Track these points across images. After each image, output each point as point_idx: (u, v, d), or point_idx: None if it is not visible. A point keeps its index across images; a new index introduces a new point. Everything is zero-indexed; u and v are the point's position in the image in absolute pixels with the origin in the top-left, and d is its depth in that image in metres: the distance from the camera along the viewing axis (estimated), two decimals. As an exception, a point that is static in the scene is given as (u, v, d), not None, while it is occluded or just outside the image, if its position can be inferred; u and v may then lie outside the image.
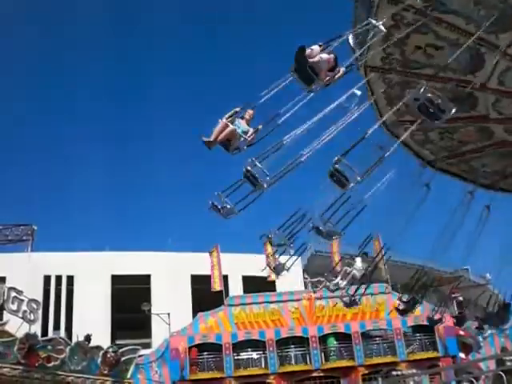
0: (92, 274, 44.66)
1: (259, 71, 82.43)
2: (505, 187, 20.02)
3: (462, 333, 34.56)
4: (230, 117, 12.99)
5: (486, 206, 19.90)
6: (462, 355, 33.67)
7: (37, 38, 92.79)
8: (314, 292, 30.46)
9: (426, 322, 34.92)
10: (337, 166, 13.97)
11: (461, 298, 37.14)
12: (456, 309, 36.54)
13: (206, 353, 33.95)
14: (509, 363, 28.31)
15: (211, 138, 12.81)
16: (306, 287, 46.14)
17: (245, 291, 44.63)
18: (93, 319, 40.67)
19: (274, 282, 41.83)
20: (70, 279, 45.49)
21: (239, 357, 34.08)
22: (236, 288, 45.83)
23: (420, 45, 14.15)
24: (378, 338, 35.55)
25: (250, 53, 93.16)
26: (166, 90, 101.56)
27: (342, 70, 13.09)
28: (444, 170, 19.56)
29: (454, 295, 36.99)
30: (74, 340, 32.08)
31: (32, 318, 30.04)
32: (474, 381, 17.50)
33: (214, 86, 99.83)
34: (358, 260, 21.53)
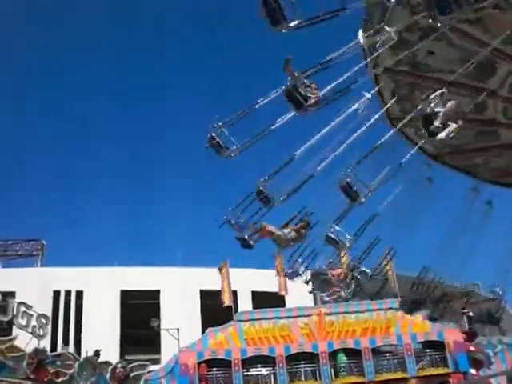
0: (101, 289, 44.67)
1: (259, 71, 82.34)
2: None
3: (472, 348, 34.32)
4: None
5: (488, 201, 19.96)
6: (472, 371, 33.39)
7: (37, 37, 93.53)
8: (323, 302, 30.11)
9: (436, 338, 34.97)
10: (348, 180, 14.07)
11: (471, 314, 36.95)
12: (467, 324, 36.37)
13: (215, 369, 33.78)
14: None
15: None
16: (315, 303, 45.94)
17: (254, 307, 44.48)
18: (102, 334, 40.66)
19: (283, 297, 41.72)
20: (80, 294, 45.51)
21: (248, 373, 33.89)
22: (245, 303, 45.66)
23: (432, 50, 14.22)
24: (388, 354, 35.30)
25: (250, 53, 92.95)
26: (165, 90, 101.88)
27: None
28: (447, 165, 19.60)
29: (464, 311, 36.83)
30: (83, 355, 32.08)
31: (41, 333, 30.11)
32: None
33: (213, 86, 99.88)
34: None
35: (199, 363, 33.58)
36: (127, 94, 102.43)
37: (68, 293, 45.49)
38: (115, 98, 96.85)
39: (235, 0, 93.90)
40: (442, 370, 34.39)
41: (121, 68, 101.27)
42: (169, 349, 38.49)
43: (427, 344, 35.30)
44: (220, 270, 40.23)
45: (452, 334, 35.10)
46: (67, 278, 44.93)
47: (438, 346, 34.92)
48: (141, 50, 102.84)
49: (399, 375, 34.07)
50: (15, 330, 31.26)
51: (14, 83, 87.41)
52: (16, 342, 28.53)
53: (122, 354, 42.74)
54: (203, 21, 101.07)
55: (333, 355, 34.48)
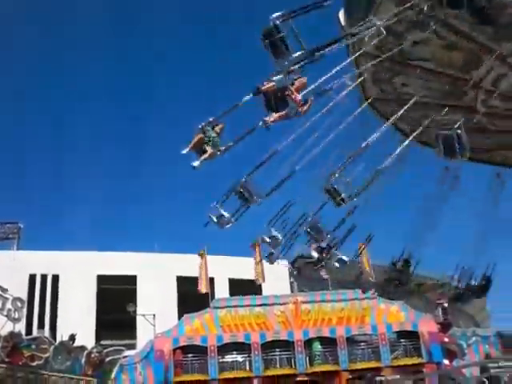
0: (77, 274, 44.48)
1: (259, 71, 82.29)
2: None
3: (446, 339, 34.67)
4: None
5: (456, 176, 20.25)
6: (446, 361, 33.75)
7: (37, 37, 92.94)
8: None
9: (411, 328, 35.26)
10: (332, 185, 14.28)
11: (446, 305, 37.29)
12: (441, 315, 36.70)
13: (190, 355, 33.87)
14: (492, 370, 28.43)
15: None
16: (292, 291, 46.11)
17: (231, 294, 44.55)
18: (77, 319, 40.52)
19: (260, 285, 41.80)
20: (56, 278, 45.28)
21: (224, 359, 34.01)
22: (222, 290, 45.72)
23: (418, 40, 14.28)
24: (362, 343, 35.57)
25: (250, 53, 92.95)
26: (165, 90, 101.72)
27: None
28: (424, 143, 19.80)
29: (439, 301, 37.18)
30: (59, 339, 31.90)
31: (16, 316, 29.89)
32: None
33: (213, 86, 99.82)
34: None
35: (175, 349, 33.65)
36: (127, 94, 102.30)
37: (44, 277, 45.23)
38: (115, 97, 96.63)
39: (235, 0, 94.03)
40: (415, 360, 34.71)
41: (121, 68, 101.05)
42: (145, 334, 38.46)
43: (402, 334, 35.62)
44: (200, 256, 40.18)
45: (427, 325, 35.43)
46: (43, 261, 44.65)
47: (412, 336, 35.24)
48: (141, 50, 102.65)
49: (373, 364, 34.35)
50: (-10, 313, 31.08)
51: (14, 83, 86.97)
52: (-10, 325, 28.34)
53: (98, 338, 42.55)
54: (203, 21, 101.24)
55: (308, 343, 34.68)
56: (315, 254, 19.77)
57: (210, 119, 13.56)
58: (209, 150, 13.46)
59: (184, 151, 13.54)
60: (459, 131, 13.31)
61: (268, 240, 17.94)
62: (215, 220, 15.01)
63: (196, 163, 13.46)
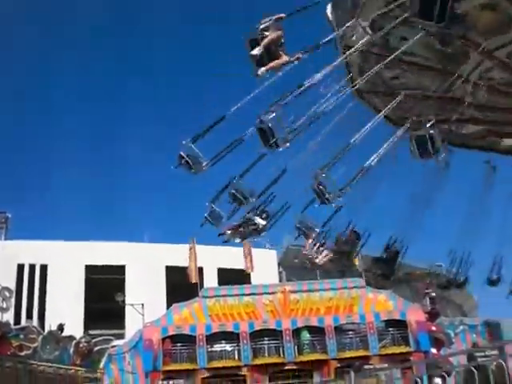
0: (66, 264, 44.42)
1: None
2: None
3: (434, 328, 34.83)
4: None
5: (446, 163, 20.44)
6: (433, 350, 33.90)
7: (37, 38, 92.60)
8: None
9: (399, 317, 35.40)
10: (319, 185, 14.42)
11: (433, 294, 37.46)
12: (429, 304, 36.87)
13: (179, 344, 33.84)
14: (479, 359, 28.60)
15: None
16: (280, 280, 46.26)
17: (220, 283, 44.64)
18: (66, 309, 40.51)
19: (249, 274, 41.92)
20: (44, 268, 45.23)
21: (213, 349, 34.01)
22: (211, 280, 45.81)
23: (405, 36, 14.32)
24: (350, 332, 35.63)
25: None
26: (165, 90, 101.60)
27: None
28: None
29: (426, 291, 37.35)
30: (47, 329, 31.90)
31: (4, 306, 29.92)
32: (446, 375, 17.69)
33: (213, 86, 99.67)
34: None
35: (163, 338, 33.61)
36: (127, 93, 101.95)
37: (32, 266, 45.17)
38: (115, 97, 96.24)
39: (235, 0, 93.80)
40: (403, 349, 34.82)
41: (121, 68, 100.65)
42: (133, 324, 38.48)
43: (390, 323, 35.71)
44: (190, 246, 40.17)
45: (414, 314, 35.54)
46: (32, 251, 44.55)
47: (400, 325, 35.33)
48: (141, 50, 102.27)
49: (361, 353, 34.43)
50: (-22, 303, 31.01)
51: (14, 83, 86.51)
52: (-21, 315, 28.31)
53: (86, 328, 42.60)
54: (203, 21, 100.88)
55: (296, 332, 34.74)
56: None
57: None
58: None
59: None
60: (432, 131, 13.26)
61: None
62: (211, 220, 15.21)
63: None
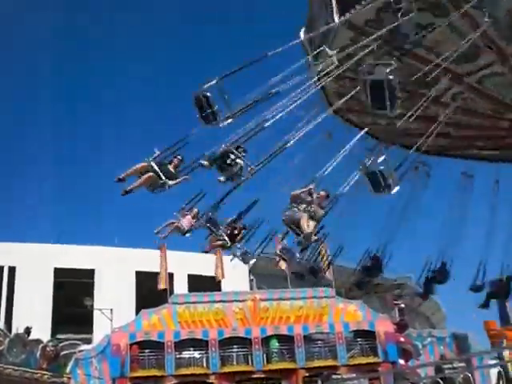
0: (34, 266, 43.94)
1: (259, 71, 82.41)
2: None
3: (402, 339, 35.01)
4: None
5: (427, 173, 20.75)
6: (401, 361, 34.07)
7: (37, 37, 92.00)
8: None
9: (367, 328, 35.54)
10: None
11: (402, 306, 37.71)
12: (398, 316, 37.11)
13: (147, 350, 33.63)
14: (447, 371, 28.87)
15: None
16: (251, 288, 46.22)
17: (190, 290, 44.46)
18: (34, 312, 40.06)
19: (219, 282, 41.80)
20: (12, 270, 44.69)
21: (181, 355, 33.85)
22: (181, 286, 45.61)
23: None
24: (319, 342, 35.70)
25: (250, 53, 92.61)
26: (164, 90, 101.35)
27: None
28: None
29: (396, 302, 37.59)
30: (14, 332, 31.52)
31: (-29, 308, 29.48)
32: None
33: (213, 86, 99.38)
34: None
35: (131, 344, 33.40)
36: (127, 94, 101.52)
37: (0, 268, 44.63)
38: (115, 97, 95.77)
39: (235, 0, 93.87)
40: (371, 359, 34.95)
41: (121, 68, 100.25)
42: (102, 329, 38.15)
43: (359, 333, 35.85)
44: (160, 251, 39.95)
45: (383, 325, 35.72)
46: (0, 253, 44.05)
47: (369, 335, 35.48)
48: (141, 50, 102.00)
49: (330, 363, 34.51)
50: None
51: (14, 83, 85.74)
52: None
53: (54, 332, 42.19)
54: (203, 21, 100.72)
55: (265, 341, 34.73)
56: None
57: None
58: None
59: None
60: (382, 167, 13.26)
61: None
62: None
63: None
